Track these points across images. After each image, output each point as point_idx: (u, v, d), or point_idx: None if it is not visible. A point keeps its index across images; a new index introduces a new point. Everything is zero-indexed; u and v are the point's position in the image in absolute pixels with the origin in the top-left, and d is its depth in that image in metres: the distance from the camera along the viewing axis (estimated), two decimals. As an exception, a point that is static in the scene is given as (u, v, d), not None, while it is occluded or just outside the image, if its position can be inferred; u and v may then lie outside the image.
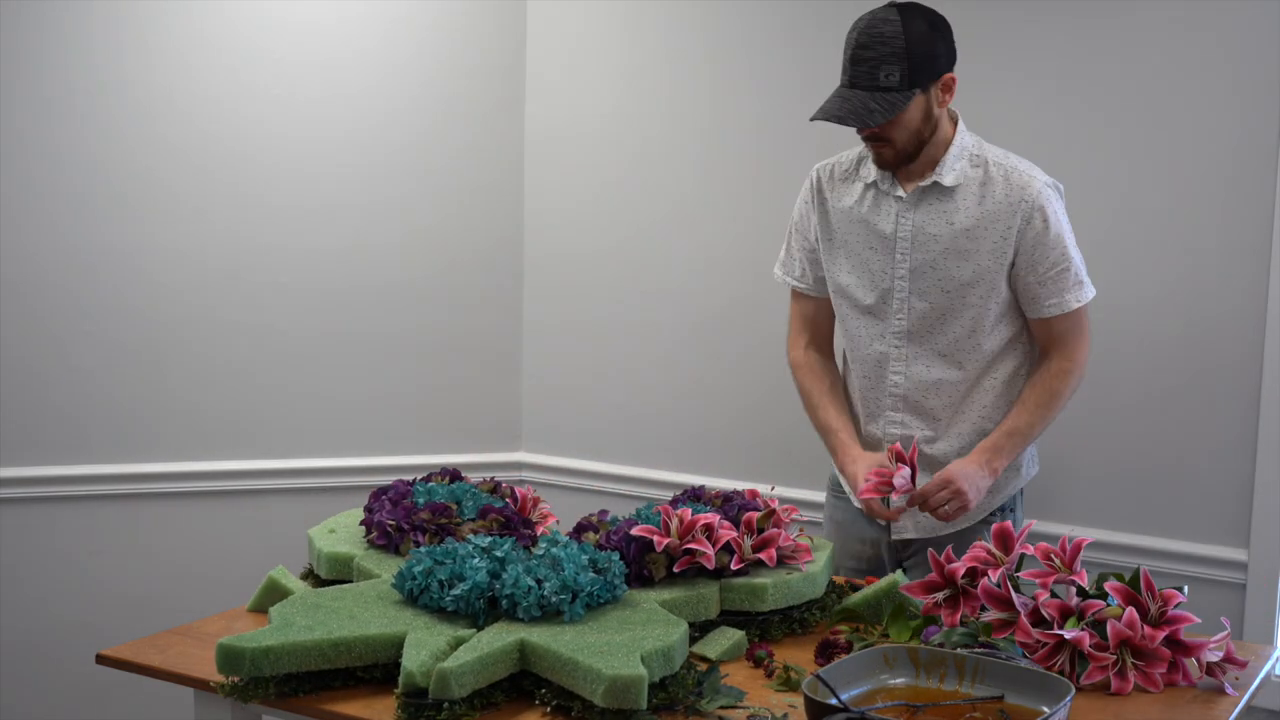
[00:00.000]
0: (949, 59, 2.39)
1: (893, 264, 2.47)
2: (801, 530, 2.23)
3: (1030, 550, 2.05)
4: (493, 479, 2.41)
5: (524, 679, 1.81)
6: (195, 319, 3.22)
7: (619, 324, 3.08)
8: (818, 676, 1.67)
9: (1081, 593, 1.98)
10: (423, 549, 1.99)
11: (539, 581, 1.89)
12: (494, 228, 3.45)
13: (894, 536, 2.57)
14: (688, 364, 3.31)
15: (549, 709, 1.76)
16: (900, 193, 2.45)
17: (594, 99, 3.36)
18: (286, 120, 3.24)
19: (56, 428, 3.16)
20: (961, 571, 2.03)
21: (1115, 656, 1.89)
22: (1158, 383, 2.75)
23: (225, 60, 3.17)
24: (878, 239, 2.48)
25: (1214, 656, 1.92)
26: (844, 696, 1.66)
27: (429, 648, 1.78)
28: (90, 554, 3.22)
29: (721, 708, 1.79)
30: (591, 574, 1.92)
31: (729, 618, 2.07)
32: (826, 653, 1.97)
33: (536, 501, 2.36)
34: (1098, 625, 1.92)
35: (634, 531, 2.08)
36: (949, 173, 2.42)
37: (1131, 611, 1.92)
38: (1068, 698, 1.62)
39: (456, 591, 1.88)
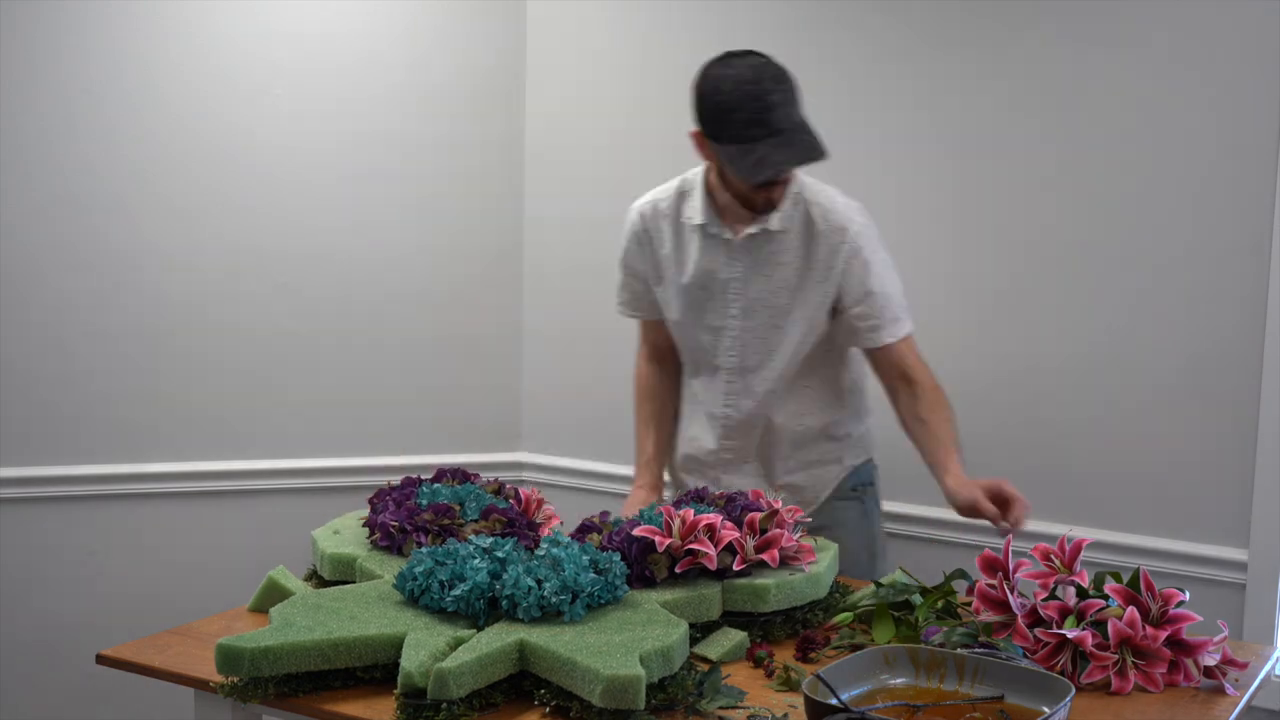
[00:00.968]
0: None
1: (725, 304, 2.52)
2: (804, 531, 2.24)
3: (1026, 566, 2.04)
4: (497, 480, 2.41)
5: (523, 679, 1.81)
6: (196, 319, 3.22)
7: (619, 323, 3.06)
8: (818, 676, 1.67)
9: (1081, 593, 1.98)
10: (424, 550, 1.99)
11: (539, 582, 1.89)
12: (494, 227, 3.45)
13: None
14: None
15: (548, 709, 1.76)
16: (729, 235, 2.49)
17: (594, 99, 3.36)
18: (286, 123, 3.24)
19: (56, 428, 3.16)
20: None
21: (1116, 656, 1.90)
22: (1157, 383, 2.75)
23: (224, 63, 3.17)
24: (709, 279, 2.52)
25: (1212, 660, 1.93)
26: (844, 696, 1.66)
27: (428, 648, 1.78)
28: (90, 554, 3.22)
29: (721, 708, 1.79)
30: (592, 574, 1.92)
31: (731, 619, 2.07)
32: (804, 649, 2.00)
33: (540, 503, 2.36)
34: (1099, 625, 1.92)
35: (636, 532, 2.08)
36: (774, 217, 2.45)
37: (1133, 611, 1.92)
38: (1068, 698, 1.62)
39: (457, 592, 1.88)
